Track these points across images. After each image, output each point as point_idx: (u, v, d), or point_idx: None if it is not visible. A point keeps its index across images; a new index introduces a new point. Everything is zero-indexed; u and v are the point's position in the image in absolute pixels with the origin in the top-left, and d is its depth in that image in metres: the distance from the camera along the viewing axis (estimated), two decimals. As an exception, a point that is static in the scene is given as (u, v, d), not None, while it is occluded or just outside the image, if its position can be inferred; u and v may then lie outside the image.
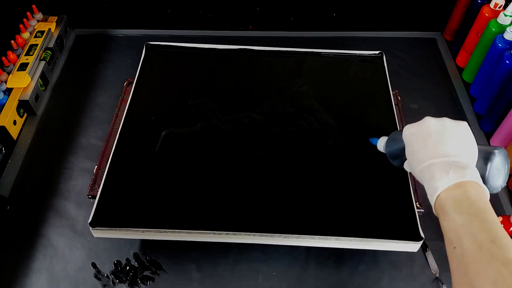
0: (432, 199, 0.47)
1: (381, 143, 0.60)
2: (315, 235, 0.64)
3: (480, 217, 0.42)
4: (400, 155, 0.56)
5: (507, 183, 0.82)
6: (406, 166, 0.56)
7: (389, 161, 0.59)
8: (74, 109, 0.95)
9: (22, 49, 0.97)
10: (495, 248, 0.38)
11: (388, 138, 0.59)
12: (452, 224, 0.43)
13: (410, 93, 0.96)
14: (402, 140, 0.55)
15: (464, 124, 0.52)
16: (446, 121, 0.52)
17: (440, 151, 0.49)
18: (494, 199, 0.80)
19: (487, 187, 0.48)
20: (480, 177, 0.47)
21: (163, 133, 0.75)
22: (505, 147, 0.82)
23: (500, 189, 0.51)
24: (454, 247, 0.41)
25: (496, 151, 0.51)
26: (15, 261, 0.72)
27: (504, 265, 0.37)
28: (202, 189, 0.69)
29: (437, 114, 0.94)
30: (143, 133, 0.76)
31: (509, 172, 0.52)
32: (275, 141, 0.76)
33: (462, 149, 0.49)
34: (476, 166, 0.50)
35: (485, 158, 0.50)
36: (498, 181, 0.51)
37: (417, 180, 0.75)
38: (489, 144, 0.87)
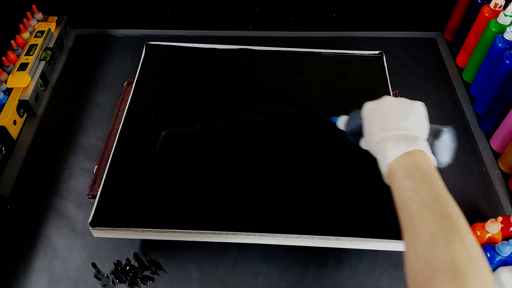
0: (384, 169, 0.51)
1: (342, 121, 0.64)
2: (315, 235, 0.64)
3: (426, 181, 0.46)
4: (358, 132, 0.59)
5: (507, 183, 0.82)
6: (363, 143, 0.59)
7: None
8: (74, 109, 0.95)
9: (22, 49, 0.97)
10: (437, 205, 0.43)
11: (349, 116, 0.62)
12: (401, 189, 0.47)
13: (410, 93, 0.96)
14: (361, 118, 0.58)
15: (419, 103, 0.56)
16: (402, 100, 0.57)
17: (393, 126, 0.53)
18: (494, 199, 0.80)
19: None
20: (429, 148, 0.52)
21: (163, 133, 0.76)
22: (505, 147, 0.82)
23: (445, 165, 0.56)
24: (403, 210, 0.46)
25: (445, 129, 0.55)
26: (15, 261, 0.72)
27: (442, 219, 0.42)
28: (202, 189, 0.69)
29: (437, 114, 0.95)
30: (143, 133, 0.76)
31: (455, 150, 0.56)
32: (275, 141, 0.76)
33: (414, 124, 0.53)
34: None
35: (434, 135, 0.55)
36: (445, 157, 0.56)
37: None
38: (489, 144, 0.87)
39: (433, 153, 0.54)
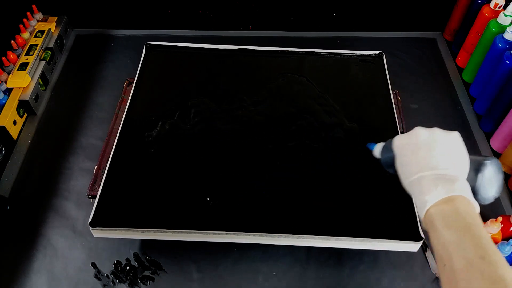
0: (421, 213, 0.46)
1: (377, 150, 0.58)
2: (315, 235, 0.64)
3: (469, 232, 0.41)
4: (394, 163, 0.54)
5: (507, 183, 0.81)
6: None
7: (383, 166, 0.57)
8: (74, 109, 0.95)
9: (22, 49, 0.97)
10: (484, 265, 0.38)
11: (383, 146, 0.57)
12: (442, 241, 0.42)
13: (410, 93, 0.96)
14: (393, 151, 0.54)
15: (455, 135, 0.51)
16: (436, 132, 0.51)
17: (429, 164, 0.48)
18: (494, 199, 0.79)
19: (479, 198, 0.48)
20: (470, 191, 0.47)
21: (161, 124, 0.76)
22: (505, 147, 0.82)
23: (492, 200, 0.50)
24: (445, 264, 0.41)
25: (488, 162, 0.49)
26: (15, 261, 0.72)
27: (492, 283, 0.37)
28: (202, 189, 0.69)
29: (437, 114, 0.95)
30: (143, 133, 0.76)
31: (502, 182, 0.51)
32: (275, 141, 0.76)
33: (451, 161, 0.48)
34: (468, 177, 0.49)
35: (476, 169, 0.49)
36: (490, 192, 0.50)
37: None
38: (489, 144, 0.87)
39: (476, 188, 0.49)
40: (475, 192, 0.48)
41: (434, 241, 0.44)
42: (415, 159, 0.49)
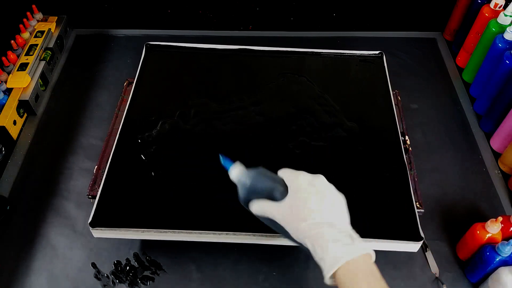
0: (328, 267, 0.48)
1: (237, 172, 0.58)
2: (315, 235, 0.64)
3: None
4: (261, 193, 0.55)
5: (507, 183, 0.81)
6: (261, 207, 0.55)
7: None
8: (74, 109, 0.95)
9: (22, 49, 0.97)
10: None
11: (255, 171, 0.57)
12: None
13: (410, 93, 0.96)
14: (277, 182, 0.55)
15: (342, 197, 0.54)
16: (332, 187, 0.53)
17: (326, 218, 0.50)
18: (494, 199, 0.80)
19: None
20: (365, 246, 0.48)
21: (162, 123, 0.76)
22: (505, 147, 0.82)
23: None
24: None
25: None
26: (15, 261, 0.72)
27: None
28: (202, 189, 0.69)
29: (437, 114, 0.95)
30: (143, 133, 0.76)
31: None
32: (275, 140, 0.75)
33: (341, 214, 0.52)
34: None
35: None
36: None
37: (417, 180, 0.75)
38: (489, 144, 0.87)
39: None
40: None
41: None
42: (319, 207, 0.50)
